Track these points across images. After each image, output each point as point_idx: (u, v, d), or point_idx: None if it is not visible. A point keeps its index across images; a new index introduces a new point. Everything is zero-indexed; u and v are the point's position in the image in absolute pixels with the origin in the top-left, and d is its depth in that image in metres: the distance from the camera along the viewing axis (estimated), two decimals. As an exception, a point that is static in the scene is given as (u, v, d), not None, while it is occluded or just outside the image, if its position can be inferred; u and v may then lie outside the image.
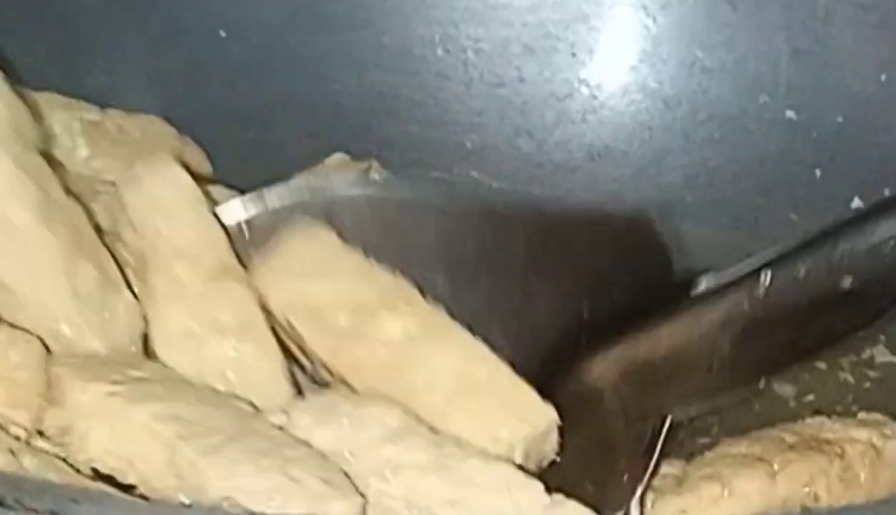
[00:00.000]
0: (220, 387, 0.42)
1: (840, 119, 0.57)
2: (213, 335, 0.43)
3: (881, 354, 0.52)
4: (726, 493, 0.41)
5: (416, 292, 0.45)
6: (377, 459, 0.39)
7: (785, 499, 0.41)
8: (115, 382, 0.38)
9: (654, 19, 0.60)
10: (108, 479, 0.38)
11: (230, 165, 0.55)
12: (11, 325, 0.40)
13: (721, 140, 0.59)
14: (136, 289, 0.44)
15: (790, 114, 0.58)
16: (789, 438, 0.42)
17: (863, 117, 0.57)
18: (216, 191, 0.51)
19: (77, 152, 0.51)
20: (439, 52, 0.61)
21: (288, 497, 0.36)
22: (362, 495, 0.37)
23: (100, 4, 0.58)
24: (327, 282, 0.45)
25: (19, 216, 0.40)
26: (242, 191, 0.49)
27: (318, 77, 0.60)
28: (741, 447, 0.42)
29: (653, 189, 0.59)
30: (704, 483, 0.41)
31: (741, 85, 0.59)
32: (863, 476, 0.41)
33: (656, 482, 0.42)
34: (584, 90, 0.61)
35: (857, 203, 0.56)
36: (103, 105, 0.54)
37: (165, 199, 0.45)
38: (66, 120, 0.51)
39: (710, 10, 0.59)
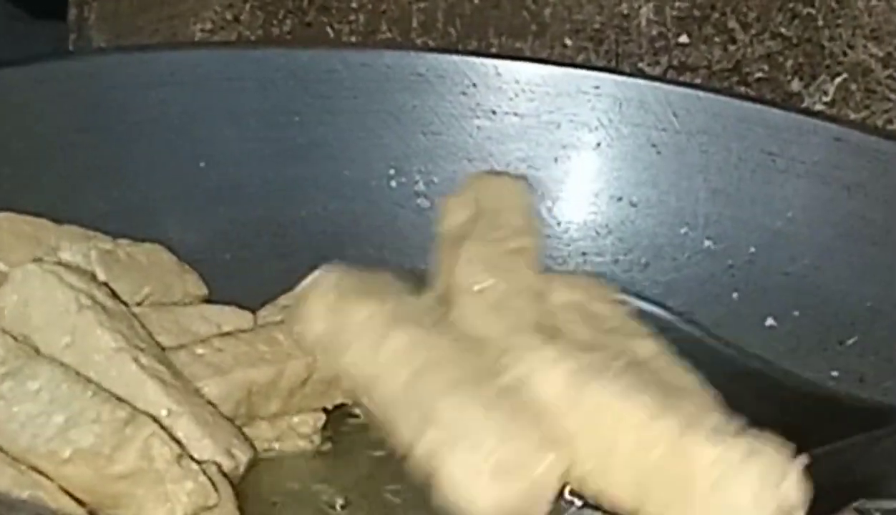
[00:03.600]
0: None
1: (753, 249, 0.68)
2: None
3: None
4: None
5: None
6: None
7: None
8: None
9: (588, 161, 0.70)
10: None
11: (219, 285, 0.63)
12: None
13: (647, 265, 0.69)
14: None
15: (708, 243, 0.69)
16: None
17: (773, 248, 0.68)
18: (217, 309, 0.59)
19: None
20: (394, 183, 0.70)
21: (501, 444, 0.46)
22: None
23: (98, 141, 0.66)
24: None
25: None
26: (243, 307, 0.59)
27: (288, 204, 0.69)
28: None
29: (587, 307, 0.68)
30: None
31: (664, 217, 0.69)
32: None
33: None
34: (524, 219, 0.70)
35: (770, 322, 0.66)
36: (103, 230, 0.62)
37: None
38: (86, 249, 0.59)
39: (637, 153, 0.70)
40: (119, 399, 0.48)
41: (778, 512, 0.48)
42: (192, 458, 0.47)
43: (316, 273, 0.60)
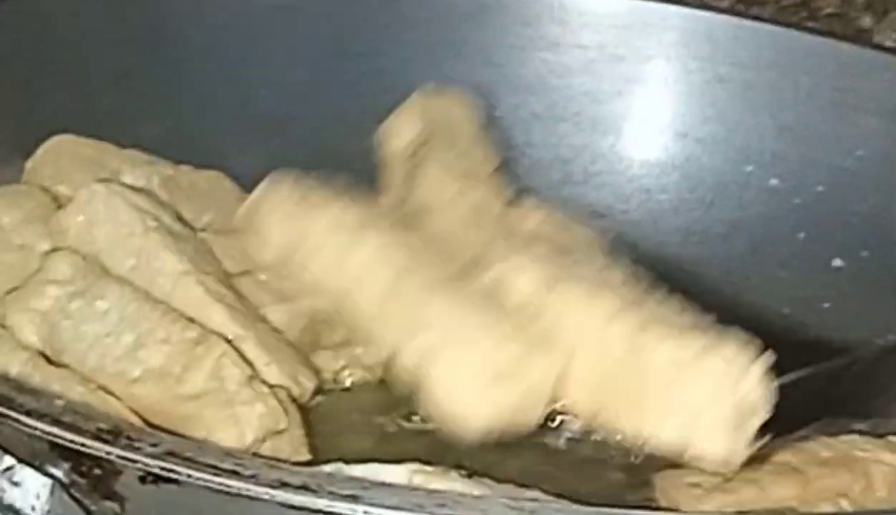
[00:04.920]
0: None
1: (820, 188, 0.67)
2: None
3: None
4: (763, 498, 0.49)
5: None
6: None
7: (813, 507, 0.50)
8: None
9: (652, 95, 0.69)
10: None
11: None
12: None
13: (711, 203, 0.68)
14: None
15: (774, 182, 0.68)
16: (825, 453, 0.50)
17: (841, 187, 0.67)
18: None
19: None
20: (454, 115, 0.69)
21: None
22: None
23: (160, 68, 0.66)
24: None
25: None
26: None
27: (347, 135, 0.68)
28: (784, 456, 0.50)
29: (650, 245, 0.68)
30: (745, 487, 0.49)
31: (729, 155, 0.69)
32: (882, 495, 0.49)
33: (704, 479, 0.49)
34: (587, 155, 0.69)
35: (837, 262, 0.65)
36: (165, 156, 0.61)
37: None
38: (148, 173, 0.59)
39: (703, 88, 0.69)
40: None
41: (738, 412, 0.47)
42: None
43: (266, 181, 0.57)
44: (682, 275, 0.66)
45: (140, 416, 0.44)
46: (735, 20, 0.69)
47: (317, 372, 0.53)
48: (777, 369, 0.59)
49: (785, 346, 0.61)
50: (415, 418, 0.54)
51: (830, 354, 0.60)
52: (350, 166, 0.67)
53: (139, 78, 0.65)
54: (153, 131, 0.63)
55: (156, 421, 0.44)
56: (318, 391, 0.52)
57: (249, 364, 0.47)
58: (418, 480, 0.44)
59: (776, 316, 0.64)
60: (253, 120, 0.66)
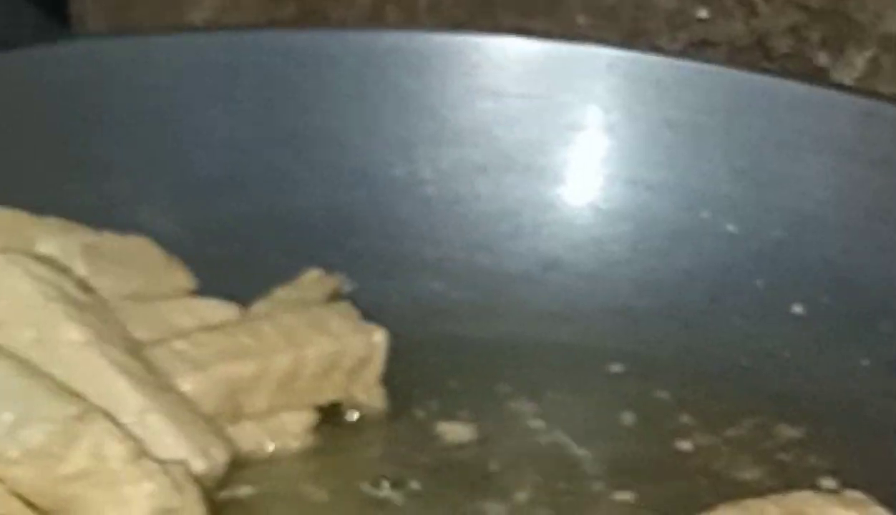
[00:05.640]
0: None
1: (779, 233, 0.64)
2: None
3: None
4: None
5: None
6: None
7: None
8: None
9: (601, 143, 0.67)
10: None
11: (212, 279, 0.59)
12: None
13: (666, 252, 0.65)
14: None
15: (731, 228, 0.65)
16: (774, 511, 0.47)
17: (800, 231, 0.64)
18: (202, 302, 0.56)
19: (75, 272, 0.56)
20: (398, 171, 0.67)
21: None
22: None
23: (85, 130, 0.63)
24: None
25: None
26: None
27: (286, 194, 0.66)
28: (733, 513, 0.47)
29: (604, 297, 0.65)
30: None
31: (683, 201, 0.66)
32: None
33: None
34: (535, 206, 0.67)
35: (798, 310, 0.62)
36: (88, 222, 0.59)
37: None
38: (65, 242, 0.56)
39: (653, 133, 0.66)
40: (82, 396, 0.45)
41: None
42: (155, 457, 0.43)
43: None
44: (637, 328, 0.63)
45: (23, 500, 0.42)
46: (681, 63, 0.67)
47: (238, 442, 0.50)
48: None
49: (744, 398, 0.59)
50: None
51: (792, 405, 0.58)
52: (285, 225, 0.65)
53: (66, 141, 0.63)
54: (81, 197, 0.60)
55: (40, 505, 0.42)
56: (241, 464, 0.50)
57: (140, 439, 0.44)
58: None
59: (735, 367, 0.61)
60: (180, 181, 0.64)
